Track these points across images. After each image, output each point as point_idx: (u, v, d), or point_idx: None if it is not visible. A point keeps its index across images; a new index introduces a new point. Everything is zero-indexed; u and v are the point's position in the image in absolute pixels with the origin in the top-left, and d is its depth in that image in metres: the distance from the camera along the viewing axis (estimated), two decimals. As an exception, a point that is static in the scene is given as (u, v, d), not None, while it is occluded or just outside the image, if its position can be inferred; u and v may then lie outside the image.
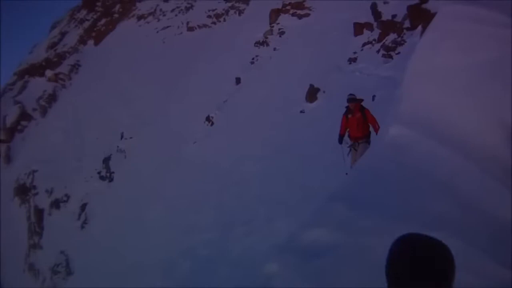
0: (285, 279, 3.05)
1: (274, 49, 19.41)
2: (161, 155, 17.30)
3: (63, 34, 40.14)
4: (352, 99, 9.08)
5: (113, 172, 19.73)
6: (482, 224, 3.10)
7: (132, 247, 13.63)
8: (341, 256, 3.02)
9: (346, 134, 9.16)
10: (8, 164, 27.91)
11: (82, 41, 35.92)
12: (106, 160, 20.48)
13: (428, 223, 2.95)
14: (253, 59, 19.79)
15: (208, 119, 17.44)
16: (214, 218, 10.49)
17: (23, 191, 23.73)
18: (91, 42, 35.28)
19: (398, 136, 4.24)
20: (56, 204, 21.12)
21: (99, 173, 20.35)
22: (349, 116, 9.03)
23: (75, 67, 32.02)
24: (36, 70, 35.42)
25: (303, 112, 13.17)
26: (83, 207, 19.48)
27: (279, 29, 20.53)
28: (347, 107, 9.08)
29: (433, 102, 4.29)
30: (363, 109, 8.94)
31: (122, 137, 21.27)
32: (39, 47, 41.73)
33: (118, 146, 20.75)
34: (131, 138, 20.82)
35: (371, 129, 8.91)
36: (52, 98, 30.03)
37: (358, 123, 8.93)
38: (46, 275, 19.26)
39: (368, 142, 8.90)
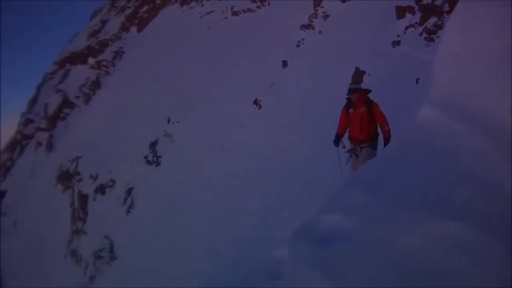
0: (295, 265, 3.13)
1: (320, 32, 20.20)
2: (208, 139, 18.18)
3: (104, 22, 42.48)
4: (354, 88, 8.06)
5: (160, 157, 20.77)
6: (507, 215, 3.06)
7: (177, 231, 14.48)
8: (356, 244, 3.08)
9: (346, 135, 8.31)
10: (50, 152, 29.93)
11: (125, 28, 37.91)
12: (153, 145, 21.56)
13: (450, 213, 3.15)
14: (299, 42, 20.58)
15: (255, 102, 18.32)
16: (260, 202, 11.02)
17: (67, 177, 25.26)
18: (133, 29, 37.17)
19: (426, 119, 4.32)
20: (101, 189, 22.42)
21: (145, 157, 21.48)
22: (350, 111, 8.05)
23: (119, 54, 33.83)
24: (77, 58, 37.67)
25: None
26: (129, 191, 20.59)
27: (323, 12, 21.28)
28: (348, 98, 8.16)
29: (463, 85, 4.38)
30: (369, 103, 7.86)
31: (169, 121, 22.33)
32: (80, 36, 44.26)
33: (165, 131, 21.80)
34: (178, 122, 21.85)
35: (379, 130, 7.95)
36: (96, 85, 31.81)
37: (362, 121, 7.89)
38: (89, 260, 20.42)
39: (374, 147, 7.95)
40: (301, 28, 21.42)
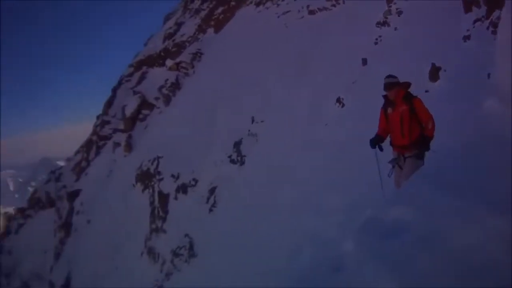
0: (358, 258, 3.21)
1: (395, 29, 20.60)
2: (292, 138, 18.84)
3: (179, 25, 44.53)
4: (390, 83, 7.26)
5: (244, 156, 21.62)
6: None
7: (258, 231, 15.09)
8: (417, 237, 3.13)
9: (388, 139, 7.51)
10: (130, 152, 31.68)
11: (201, 30, 39.52)
12: (237, 144, 22.43)
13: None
14: (376, 39, 21.03)
15: (338, 100, 18.81)
16: (342, 201, 11.14)
17: (147, 177, 26.60)
18: (210, 30, 38.63)
19: (491, 111, 4.54)
20: (183, 188, 23.55)
21: (229, 157, 22.36)
22: (389, 110, 7.33)
23: (197, 55, 35.19)
24: (154, 60, 39.91)
25: (428, 92, 13.87)
26: (212, 190, 21.52)
27: (397, 8, 21.59)
28: (384, 96, 7.42)
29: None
30: (410, 99, 7.03)
31: (253, 121, 23.15)
32: (155, 39, 46.66)
33: (249, 130, 22.67)
34: (262, 122, 22.66)
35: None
36: (176, 86, 33.36)
37: (403, 122, 7.02)
38: (167, 257, 21.59)
39: (420, 156, 6.94)
40: (377, 25, 21.91)
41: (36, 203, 45.99)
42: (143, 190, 27.28)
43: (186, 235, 20.81)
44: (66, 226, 34.00)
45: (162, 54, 40.45)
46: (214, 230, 19.27)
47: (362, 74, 19.04)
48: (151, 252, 23.63)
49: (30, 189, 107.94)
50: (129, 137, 33.03)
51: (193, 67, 34.84)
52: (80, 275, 28.10)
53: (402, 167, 7.23)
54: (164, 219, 24.11)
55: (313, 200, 13.15)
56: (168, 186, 24.80)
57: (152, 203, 25.73)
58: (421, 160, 6.96)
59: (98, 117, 41.95)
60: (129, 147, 32.30)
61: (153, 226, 24.67)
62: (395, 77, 7.40)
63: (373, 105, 16.11)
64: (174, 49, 39.82)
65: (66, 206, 35.42)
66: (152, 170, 26.70)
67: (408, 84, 7.37)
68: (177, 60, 36.27)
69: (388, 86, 7.27)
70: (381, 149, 7.68)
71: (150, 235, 24.54)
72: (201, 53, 35.59)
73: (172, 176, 24.92)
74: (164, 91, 33.80)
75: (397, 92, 7.18)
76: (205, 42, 37.02)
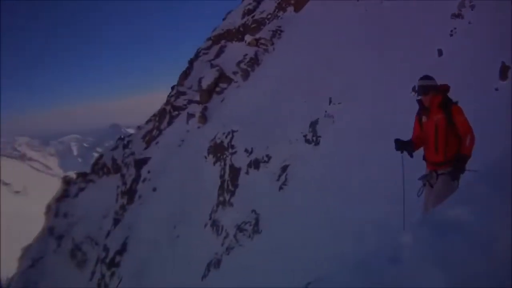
0: (413, 252, 3.23)
1: (469, 22, 20.72)
2: (368, 123, 19.33)
3: (258, 2, 45.52)
4: (425, 86, 6.69)
5: (319, 136, 22.30)
6: None
7: (327, 212, 15.60)
8: (473, 237, 3.14)
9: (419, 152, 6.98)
10: (204, 124, 33.36)
11: (281, 8, 40.14)
12: (313, 124, 23.12)
13: None
14: (451, 31, 20.98)
15: (414, 89, 18.77)
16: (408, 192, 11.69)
17: (220, 150, 28.01)
18: (290, 9, 39.21)
19: None
20: (255, 163, 24.64)
21: (305, 136, 23.16)
22: (424, 118, 6.83)
23: (277, 32, 36.32)
24: (233, 35, 41.42)
25: (497, 90, 14.31)
26: (284, 168, 22.33)
27: (470, 1, 21.41)
28: (419, 100, 6.87)
29: None
30: (447, 106, 6.44)
31: (330, 102, 23.75)
32: (233, 14, 47.98)
33: (326, 111, 23.29)
34: (339, 103, 23.21)
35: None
36: (255, 62, 34.78)
37: (437, 134, 6.46)
38: (230, 231, 22.40)
39: (455, 175, 6.23)
40: (452, 17, 22.10)
41: (101, 168, 48.36)
42: (214, 163, 28.66)
43: (253, 210, 21.57)
44: (130, 193, 35.69)
45: (241, 29, 41.82)
46: (281, 208, 19.93)
47: (438, 65, 19.02)
48: (215, 225, 24.68)
49: (95, 155, 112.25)
50: (205, 109, 34.70)
51: (272, 44, 36.01)
52: (137, 242, 29.52)
53: (432, 185, 6.62)
54: (232, 193, 25.15)
55: (380, 186, 13.61)
56: (240, 160, 25.93)
57: (222, 176, 26.88)
58: (456, 180, 6.23)
59: (173, 88, 43.75)
60: (204, 118, 33.96)
61: (221, 199, 25.77)
62: (431, 78, 6.75)
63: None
64: (253, 25, 41.15)
65: (132, 173, 37.07)
66: (225, 143, 27.95)
67: (446, 88, 6.74)
68: (257, 36, 37.62)
69: (422, 90, 6.65)
70: (410, 154, 6.95)
71: (217, 208, 25.64)
72: (281, 31, 36.64)
73: (246, 150, 26.06)
74: (243, 66, 35.26)
75: (433, 97, 6.56)
76: (285, 20, 37.98)
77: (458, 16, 21.92)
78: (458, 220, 3.45)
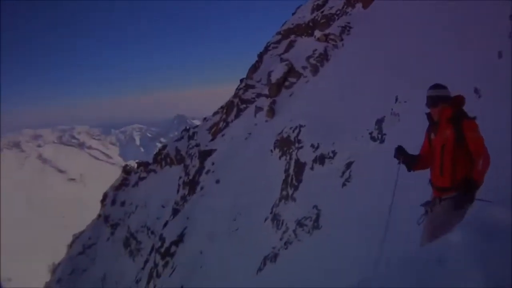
0: (459, 253, 3.31)
1: None
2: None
3: (327, -2, 47.36)
4: (434, 97, 6.07)
5: (385, 134, 22.98)
6: None
7: (388, 213, 16.23)
8: None
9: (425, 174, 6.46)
10: (272, 117, 35.07)
11: (350, 4, 41.58)
12: (379, 122, 23.83)
13: None
14: (510, 33, 21.03)
15: (476, 91, 18.74)
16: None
17: (286, 144, 29.28)
18: (359, 5, 40.55)
19: None
20: (321, 159, 25.46)
21: (370, 133, 23.89)
22: (432, 135, 6.22)
23: (346, 29, 37.61)
24: (303, 30, 43.33)
25: None
26: (349, 165, 22.92)
27: None
28: (428, 114, 6.30)
29: None
30: (458, 121, 5.69)
31: (396, 100, 24.26)
32: (303, 9, 49.45)
33: (392, 109, 23.82)
34: (405, 102, 23.52)
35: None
36: (324, 57, 36.25)
37: (444, 154, 5.81)
38: (290, 226, 22.96)
39: (460, 203, 5.50)
40: (511, 18, 22.32)
41: (163, 158, 50.29)
42: (280, 157, 29.82)
43: (315, 206, 21.80)
44: (192, 184, 37.18)
45: (310, 24, 43.63)
46: (343, 204, 20.33)
47: (498, 67, 19.10)
48: (276, 219, 25.29)
49: (158, 145, 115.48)
50: (273, 102, 36.46)
51: (341, 39, 37.29)
52: (195, 233, 30.64)
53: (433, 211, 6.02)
54: (296, 188, 25.70)
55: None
56: (306, 155, 26.63)
57: (287, 170, 27.69)
58: (462, 208, 5.52)
59: (241, 81, 45.70)
60: (272, 112, 35.68)
61: (284, 193, 26.41)
62: (443, 87, 6.10)
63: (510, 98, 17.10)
64: (322, 21, 42.71)
65: (196, 164, 38.77)
66: (292, 138, 28.96)
67: (459, 99, 6.04)
68: (326, 31, 39.00)
69: (431, 101, 6.06)
70: (408, 167, 6.59)
71: (279, 202, 26.31)
72: (350, 27, 37.91)
73: (312, 146, 26.81)
74: (312, 61, 36.82)
75: (442, 110, 5.92)
76: (354, 17, 39.21)
77: (516, 17, 22.36)
78: (502, 224, 3.44)
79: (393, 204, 7.67)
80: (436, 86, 6.09)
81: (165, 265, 32.01)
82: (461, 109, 5.88)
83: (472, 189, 5.35)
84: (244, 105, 41.11)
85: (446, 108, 5.86)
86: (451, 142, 5.63)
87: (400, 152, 6.58)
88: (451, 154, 5.66)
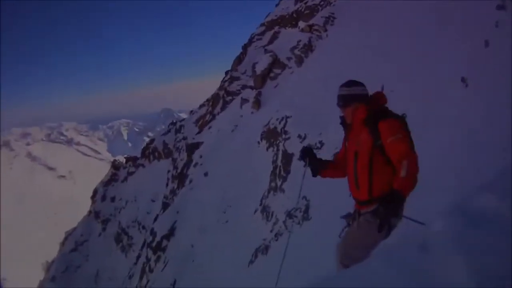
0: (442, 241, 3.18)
1: None
2: (420, 112, 19.02)
3: (311, -13, 47.13)
4: (345, 96, 5.28)
5: None
6: None
7: None
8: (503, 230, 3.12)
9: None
10: (258, 109, 34.87)
11: None
12: None
13: None
14: (497, 22, 20.50)
15: (463, 80, 19.08)
16: (455, 183, 11.00)
17: (273, 135, 29.11)
18: None
19: None
20: None
21: None
22: (346, 142, 5.54)
23: (330, 19, 37.33)
24: (286, 21, 42.89)
25: None
26: (336, 155, 23.42)
27: None
28: (341, 117, 5.55)
29: None
30: (375, 123, 4.91)
31: (382, 89, 23.84)
32: (287, 0, 49.42)
33: None
34: (391, 91, 23.61)
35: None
36: (308, 48, 35.93)
37: (358, 161, 5.03)
38: (280, 217, 23.03)
39: (380, 219, 4.53)
40: (497, 8, 22.34)
41: (151, 152, 49.90)
42: (267, 148, 29.67)
43: (304, 197, 21.56)
44: (181, 177, 36.96)
45: (294, 15, 43.26)
46: (331, 194, 18.83)
47: (485, 56, 19.19)
48: (265, 211, 25.26)
49: (146, 139, 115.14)
50: (259, 94, 36.23)
51: (326, 30, 37.02)
52: (185, 226, 30.45)
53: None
54: (284, 179, 25.65)
55: (425, 177, 14.05)
56: (293, 146, 26.36)
57: (274, 161, 27.61)
58: (386, 224, 4.57)
59: (226, 73, 45.61)
60: (257, 104, 35.45)
61: (272, 184, 26.34)
62: (358, 84, 5.33)
63: (497, 86, 17.03)
64: (306, 12, 42.34)
65: (183, 158, 38.57)
66: (279, 129, 28.82)
67: (378, 97, 5.34)
68: (310, 22, 38.77)
69: (342, 101, 5.27)
70: (313, 173, 5.80)
71: (268, 194, 26.27)
72: (334, 17, 37.61)
73: (299, 136, 26.76)
74: (297, 52, 36.49)
75: (355, 111, 5.14)
76: (337, 7, 38.90)
77: (501, 8, 22.16)
78: (488, 212, 3.36)
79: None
80: (350, 83, 5.30)
81: (157, 259, 31.87)
82: (380, 108, 5.14)
83: (394, 202, 4.43)
84: (230, 97, 40.80)
85: (359, 108, 5.07)
86: (366, 148, 4.87)
87: (306, 154, 5.81)
88: (365, 162, 4.87)
